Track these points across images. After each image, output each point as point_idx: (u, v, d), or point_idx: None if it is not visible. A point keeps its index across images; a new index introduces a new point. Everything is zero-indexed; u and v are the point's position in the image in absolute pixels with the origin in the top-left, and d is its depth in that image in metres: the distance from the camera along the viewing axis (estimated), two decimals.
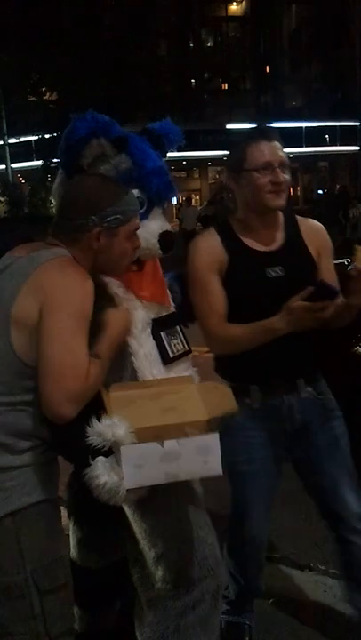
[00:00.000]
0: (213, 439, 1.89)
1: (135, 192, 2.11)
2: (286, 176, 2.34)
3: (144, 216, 2.15)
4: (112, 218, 1.94)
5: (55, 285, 1.83)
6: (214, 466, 1.89)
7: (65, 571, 1.96)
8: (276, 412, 2.42)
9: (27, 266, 1.89)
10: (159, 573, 2.17)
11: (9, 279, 1.90)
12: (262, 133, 2.39)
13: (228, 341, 2.36)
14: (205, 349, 2.41)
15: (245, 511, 2.53)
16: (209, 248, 2.40)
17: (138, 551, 2.20)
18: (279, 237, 2.43)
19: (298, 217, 2.53)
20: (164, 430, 1.86)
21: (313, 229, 2.50)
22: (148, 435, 1.83)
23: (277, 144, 2.36)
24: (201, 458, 1.88)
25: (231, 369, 2.44)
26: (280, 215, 2.45)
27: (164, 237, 2.16)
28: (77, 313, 1.83)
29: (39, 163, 25.40)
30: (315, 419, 2.47)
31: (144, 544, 2.17)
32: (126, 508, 2.15)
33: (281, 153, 2.35)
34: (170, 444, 1.84)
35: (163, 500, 2.08)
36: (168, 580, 2.16)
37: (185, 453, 1.85)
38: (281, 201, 2.35)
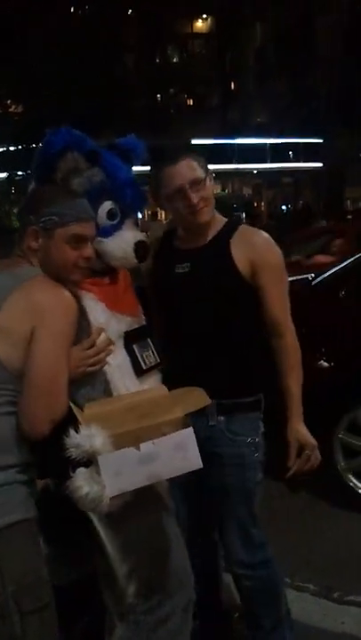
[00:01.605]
0: (189, 434, 1.93)
1: (109, 203, 2.16)
2: (203, 192, 2.31)
3: (118, 226, 2.19)
4: (47, 218, 1.98)
5: (47, 307, 1.88)
6: (194, 460, 1.92)
7: (47, 591, 1.93)
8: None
9: (6, 282, 1.92)
10: (131, 588, 2.17)
11: None
12: (167, 158, 2.35)
13: None
14: None
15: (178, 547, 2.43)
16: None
17: (108, 566, 2.20)
18: (204, 239, 2.42)
19: (244, 227, 2.46)
20: (141, 433, 1.89)
21: (251, 239, 2.39)
22: (126, 440, 1.86)
23: (186, 163, 2.32)
24: (179, 454, 1.91)
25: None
26: (217, 220, 2.43)
27: (139, 246, 2.18)
28: (67, 337, 1.91)
29: (3, 175, 25.26)
30: (212, 453, 2.32)
31: (115, 559, 2.17)
32: (97, 524, 2.15)
33: (191, 171, 2.31)
34: (146, 446, 1.87)
35: (134, 515, 2.08)
36: (140, 595, 2.17)
37: (163, 453, 1.88)
38: (203, 217, 2.35)
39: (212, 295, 2.30)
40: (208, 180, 2.35)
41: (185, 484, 2.36)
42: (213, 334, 2.34)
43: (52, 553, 2.43)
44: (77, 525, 2.19)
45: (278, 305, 2.38)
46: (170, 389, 2.18)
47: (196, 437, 2.23)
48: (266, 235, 2.45)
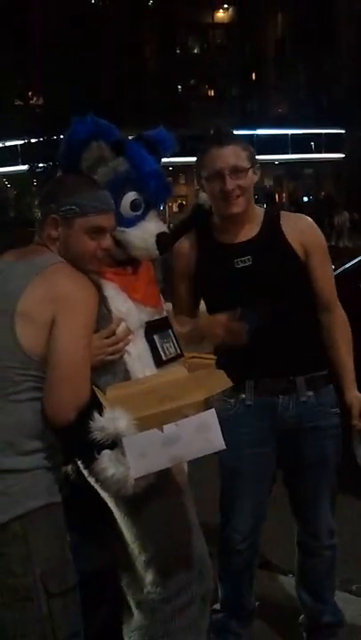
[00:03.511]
0: (211, 415, 1.94)
1: (133, 194, 2.15)
2: (241, 181, 2.32)
3: (141, 217, 2.19)
4: (67, 208, 1.98)
5: (69, 294, 1.90)
6: (216, 441, 1.93)
7: (72, 574, 1.97)
8: (269, 412, 2.43)
9: (27, 270, 1.94)
10: (149, 577, 2.18)
11: (7, 281, 1.94)
12: (215, 138, 2.38)
13: (188, 335, 2.41)
14: (206, 355, 2.41)
15: (232, 506, 2.55)
16: (181, 250, 2.49)
17: (127, 554, 2.21)
18: (253, 229, 2.44)
19: (285, 213, 2.53)
20: (163, 416, 1.90)
21: (297, 224, 2.48)
22: (149, 423, 1.88)
23: (231, 148, 2.34)
24: (203, 436, 1.92)
25: (229, 364, 2.41)
26: (256, 211, 2.47)
27: (161, 238, 2.19)
28: (90, 325, 1.93)
29: (25, 167, 25.38)
30: (309, 428, 2.45)
31: (134, 548, 2.18)
32: (116, 512, 2.17)
33: (234, 158, 2.33)
34: (169, 428, 1.88)
35: (153, 504, 2.10)
36: (158, 584, 2.17)
37: (185, 434, 1.90)
38: (235, 208, 2.35)
39: (281, 282, 2.33)
40: (252, 172, 2.38)
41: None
42: (289, 316, 2.38)
43: (70, 541, 2.48)
44: (96, 513, 2.21)
45: (329, 283, 2.50)
46: (248, 377, 2.32)
47: (287, 415, 2.42)
48: (309, 218, 2.54)
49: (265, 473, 2.53)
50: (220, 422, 2.04)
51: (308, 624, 2.68)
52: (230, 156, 2.32)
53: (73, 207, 1.98)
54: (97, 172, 2.11)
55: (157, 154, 2.27)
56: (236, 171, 2.32)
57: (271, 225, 2.45)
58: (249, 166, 2.35)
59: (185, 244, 2.50)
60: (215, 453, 2.23)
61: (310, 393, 2.43)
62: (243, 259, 2.36)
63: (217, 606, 2.65)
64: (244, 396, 2.42)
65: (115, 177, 2.12)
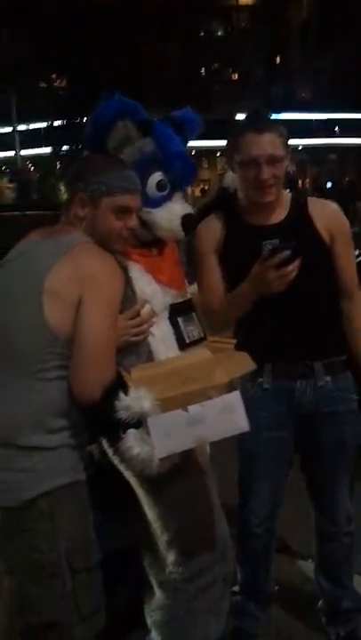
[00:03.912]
0: (236, 397, 1.96)
1: (158, 174, 2.15)
2: (276, 170, 2.30)
3: (167, 198, 2.19)
4: (94, 187, 1.99)
5: (96, 274, 1.91)
6: (240, 423, 1.96)
7: (96, 552, 2.00)
8: (287, 396, 2.43)
9: (54, 249, 1.95)
10: (171, 557, 2.20)
11: (34, 260, 1.95)
12: (253, 123, 2.34)
13: (219, 313, 2.41)
14: (227, 339, 2.41)
15: (249, 489, 2.56)
16: (208, 230, 2.46)
17: (149, 534, 2.23)
18: (282, 213, 2.43)
19: (311, 198, 2.53)
20: (188, 397, 1.92)
21: (324, 210, 2.47)
22: (173, 404, 1.90)
23: (269, 135, 2.30)
24: (227, 417, 1.94)
25: (248, 347, 2.39)
26: (284, 195, 2.45)
27: (187, 219, 2.19)
28: (116, 305, 1.95)
29: (48, 150, 25.35)
30: (327, 413, 2.45)
31: (156, 527, 2.20)
32: (139, 492, 2.18)
33: (272, 146, 2.29)
34: (194, 408, 1.90)
35: (176, 484, 2.12)
36: (180, 564, 2.19)
37: (210, 415, 1.92)
38: (267, 197, 2.34)
39: (307, 266, 2.29)
40: (285, 159, 2.35)
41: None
42: (311, 300, 2.37)
43: (93, 520, 2.50)
44: (119, 493, 2.23)
45: (351, 270, 2.49)
46: (266, 360, 2.32)
47: (304, 400, 2.42)
48: (335, 204, 2.53)
49: (282, 457, 2.54)
50: None
51: (327, 609, 2.69)
52: (268, 144, 2.29)
53: (100, 186, 1.99)
54: (123, 152, 2.11)
55: (184, 135, 2.27)
56: (273, 160, 2.29)
57: (299, 209, 2.44)
58: (283, 154, 2.33)
59: (214, 223, 2.48)
60: (234, 436, 2.25)
61: (328, 378, 2.43)
62: (272, 241, 2.34)
63: (236, 588, 2.67)
64: (261, 379, 2.42)
65: (141, 157, 2.12)
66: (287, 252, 2.17)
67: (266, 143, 2.29)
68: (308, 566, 3.07)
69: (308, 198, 2.51)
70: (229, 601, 2.38)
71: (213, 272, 2.46)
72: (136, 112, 2.13)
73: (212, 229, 2.46)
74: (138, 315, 2.09)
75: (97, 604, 1.99)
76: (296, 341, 2.39)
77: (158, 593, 2.27)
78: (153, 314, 2.12)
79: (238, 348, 2.33)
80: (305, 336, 2.39)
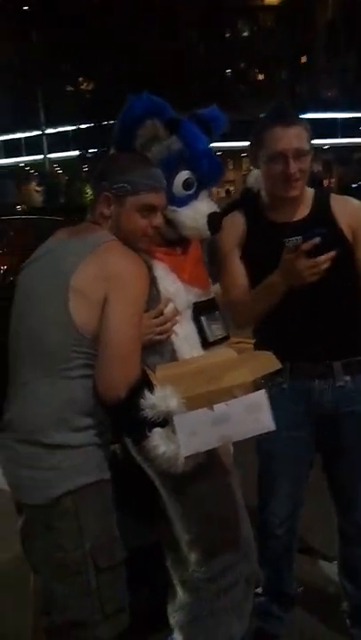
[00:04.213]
0: (262, 396, 1.94)
1: (185, 173, 2.15)
2: (302, 164, 2.27)
3: (193, 197, 2.18)
4: (119, 185, 1.99)
5: (122, 272, 1.91)
6: (266, 422, 1.94)
7: (120, 550, 2.00)
8: (305, 396, 2.40)
9: (80, 247, 1.95)
10: (193, 556, 2.19)
11: (60, 259, 1.96)
12: (279, 117, 2.31)
13: (244, 308, 2.37)
14: (248, 340, 2.39)
15: (269, 490, 2.54)
16: (230, 225, 2.41)
17: (172, 534, 2.23)
18: (304, 211, 2.40)
19: (334, 195, 2.49)
20: (213, 396, 1.91)
21: (346, 206, 2.43)
22: (198, 402, 1.89)
23: (295, 129, 2.28)
24: (252, 416, 1.92)
25: (267, 345, 2.35)
26: (307, 192, 2.42)
27: (212, 218, 2.18)
28: (141, 304, 1.94)
29: (75, 153, 25.50)
30: (347, 413, 2.41)
31: (178, 527, 2.19)
32: (163, 491, 2.18)
33: (298, 140, 2.27)
34: (219, 407, 1.89)
35: (200, 483, 2.11)
36: (202, 564, 2.18)
37: (235, 414, 1.90)
38: (293, 191, 2.31)
39: (330, 264, 2.24)
40: (310, 154, 2.33)
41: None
42: (333, 299, 2.34)
43: (117, 519, 2.50)
44: (142, 492, 2.23)
45: None
46: (286, 359, 2.27)
47: (324, 400, 2.38)
48: (356, 200, 2.49)
49: (301, 457, 2.51)
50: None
51: (351, 611, 2.66)
52: (294, 137, 2.27)
53: (125, 185, 1.98)
54: (151, 150, 2.11)
55: (210, 133, 2.26)
56: (300, 154, 2.27)
57: (321, 206, 2.41)
58: (310, 148, 2.31)
59: (236, 219, 2.46)
60: (255, 437, 2.24)
61: (348, 378, 2.38)
62: (293, 238, 2.31)
63: (259, 590, 2.65)
64: (280, 379, 2.38)
65: (168, 155, 2.11)
66: (318, 239, 2.13)
67: (293, 137, 2.26)
68: (331, 568, 3.03)
69: (331, 195, 2.48)
70: (252, 602, 2.36)
71: (237, 267, 2.43)
72: (164, 110, 2.12)
73: (235, 225, 2.44)
74: (162, 314, 2.09)
75: (121, 602, 1.99)
76: (317, 340, 2.36)
77: (181, 592, 2.27)
78: (177, 313, 2.12)
79: (258, 347, 2.32)
80: (327, 335, 2.36)
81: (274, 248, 2.29)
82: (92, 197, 2.13)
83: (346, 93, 33.24)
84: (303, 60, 36.37)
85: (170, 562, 2.29)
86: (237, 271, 2.43)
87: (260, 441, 2.43)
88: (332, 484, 2.56)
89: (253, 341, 2.31)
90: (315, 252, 2.14)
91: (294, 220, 2.39)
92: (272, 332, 2.35)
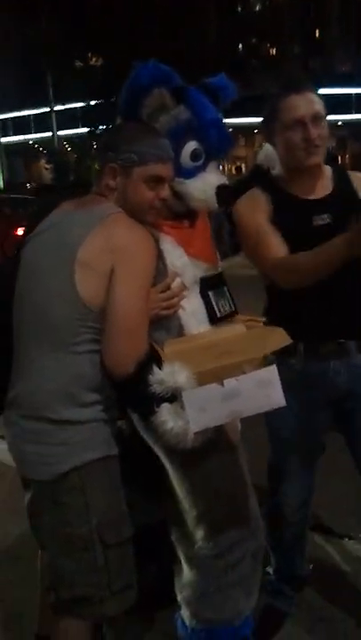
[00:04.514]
0: (272, 372, 1.91)
1: (193, 143, 2.10)
2: (321, 130, 2.22)
3: (201, 168, 2.14)
4: (126, 156, 1.94)
5: (128, 245, 1.87)
6: (277, 398, 1.91)
7: (128, 527, 1.99)
8: (319, 379, 2.34)
9: (85, 219, 1.91)
10: (200, 532, 2.18)
11: (66, 231, 1.93)
12: (292, 85, 2.26)
13: (293, 269, 2.22)
14: (258, 318, 2.34)
15: (281, 478, 2.50)
16: (254, 202, 2.33)
17: (178, 510, 2.22)
18: (327, 186, 2.34)
19: (351, 172, 2.43)
20: (222, 371, 1.88)
21: None
22: (207, 378, 1.86)
23: (310, 95, 2.23)
24: (263, 392, 1.89)
25: (280, 324, 2.27)
26: (325, 167, 2.36)
27: (221, 190, 2.13)
28: (148, 277, 1.91)
29: (85, 130, 25.39)
30: None
31: (185, 503, 2.18)
32: (169, 467, 2.17)
33: (314, 105, 2.22)
34: (229, 382, 1.86)
35: (207, 459, 2.09)
36: (209, 539, 2.17)
37: (246, 390, 1.88)
38: (316, 158, 2.24)
39: None
40: (326, 121, 2.27)
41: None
42: (350, 276, 2.24)
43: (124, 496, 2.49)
44: (149, 468, 2.21)
45: None
46: (299, 339, 2.22)
47: (338, 381, 2.32)
48: None
49: (314, 444, 2.48)
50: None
51: None
52: (311, 102, 2.22)
53: (132, 155, 1.94)
54: (158, 119, 2.07)
55: (218, 102, 2.21)
56: (318, 118, 2.21)
57: (343, 182, 2.35)
58: (325, 113, 2.25)
59: (258, 195, 2.35)
60: (265, 420, 2.20)
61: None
62: (321, 216, 2.25)
63: (269, 569, 2.64)
64: (293, 360, 2.32)
65: (176, 125, 2.07)
66: None
67: (309, 102, 2.22)
68: (344, 545, 3.04)
69: (349, 172, 2.42)
70: (260, 578, 2.34)
71: (275, 233, 2.28)
72: (171, 79, 2.08)
73: (259, 202, 2.33)
74: (168, 288, 2.06)
75: (129, 579, 1.98)
76: (329, 320, 2.29)
77: (187, 569, 2.26)
78: (183, 287, 2.09)
79: (268, 324, 2.27)
80: (343, 313, 2.30)
81: (302, 227, 2.23)
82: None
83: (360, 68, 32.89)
84: (317, 34, 35.97)
85: (176, 538, 2.28)
86: (275, 237, 2.27)
87: (274, 427, 2.41)
88: (358, 462, 2.49)
89: (263, 319, 2.26)
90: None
91: (319, 197, 2.32)
92: (286, 312, 2.29)
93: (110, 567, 1.92)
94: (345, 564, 2.85)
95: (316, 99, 2.24)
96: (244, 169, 25.05)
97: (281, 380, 2.10)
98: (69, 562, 1.91)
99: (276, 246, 2.25)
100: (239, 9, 33.85)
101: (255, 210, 2.31)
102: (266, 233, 2.28)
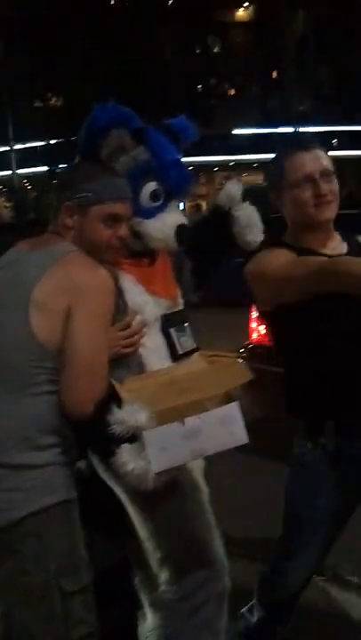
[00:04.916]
0: (235, 409, 1.90)
1: (153, 184, 2.12)
2: (332, 185, 2.17)
3: (160, 209, 2.15)
4: (82, 195, 1.93)
5: (85, 285, 1.84)
6: (240, 435, 1.89)
7: (88, 573, 1.93)
8: (354, 457, 2.17)
9: (41, 259, 1.89)
10: (163, 575, 2.14)
11: (22, 271, 1.90)
12: (299, 143, 2.22)
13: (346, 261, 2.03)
14: (226, 353, 2.31)
15: (294, 559, 2.33)
16: (278, 252, 2.21)
17: (141, 552, 2.17)
18: (341, 246, 2.26)
19: (359, 236, 2.35)
20: (184, 409, 1.87)
21: None
22: (169, 416, 1.85)
23: (317, 152, 2.19)
24: (225, 429, 1.88)
25: (305, 402, 2.19)
26: (335, 233, 2.28)
27: (181, 230, 2.14)
28: (106, 316, 1.89)
29: (44, 168, 25.48)
30: None
31: (148, 545, 2.14)
32: (130, 508, 2.13)
33: (323, 161, 2.18)
34: (191, 421, 1.85)
35: (169, 500, 2.06)
36: (173, 582, 2.14)
37: (208, 428, 1.86)
38: (329, 212, 2.18)
39: None
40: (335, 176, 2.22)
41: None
42: None
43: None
44: (109, 510, 2.17)
45: None
46: (329, 417, 2.13)
47: None
48: None
49: (340, 523, 2.32)
50: (298, 467, 2.02)
51: None
52: (319, 159, 2.18)
53: (89, 194, 1.93)
54: (118, 160, 2.07)
55: (178, 143, 2.22)
56: (327, 174, 2.17)
57: (353, 241, 2.29)
58: (334, 169, 2.21)
59: (281, 250, 2.20)
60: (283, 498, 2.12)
61: None
62: None
63: (247, 614, 2.49)
64: (323, 439, 2.16)
65: (135, 166, 2.08)
66: None
67: (317, 158, 2.18)
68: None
69: (357, 236, 2.34)
70: (226, 618, 2.26)
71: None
72: (130, 120, 2.09)
73: (285, 252, 2.18)
74: (129, 326, 2.05)
75: (88, 628, 1.91)
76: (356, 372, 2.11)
77: (152, 613, 2.21)
78: (144, 325, 2.08)
79: (295, 401, 2.18)
80: None
81: None
82: None
83: (318, 107, 33.58)
84: (275, 74, 36.71)
85: (139, 581, 2.24)
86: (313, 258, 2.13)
87: (296, 506, 2.27)
88: None
89: (236, 355, 2.25)
90: None
91: (340, 253, 2.22)
92: (311, 387, 2.16)
93: (69, 616, 1.85)
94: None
95: (324, 155, 2.20)
96: (204, 207, 25.25)
97: (311, 458, 2.07)
98: (26, 612, 1.84)
99: (316, 259, 2.12)
100: (198, 50, 34.46)
101: (281, 254, 2.18)
102: (299, 258, 2.13)
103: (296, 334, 2.18)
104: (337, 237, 2.28)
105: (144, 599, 2.23)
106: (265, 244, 2.32)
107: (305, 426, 2.17)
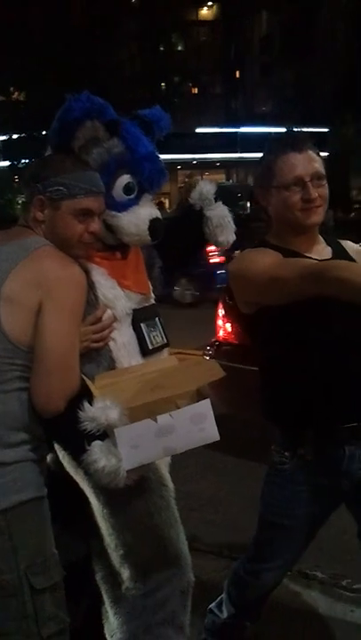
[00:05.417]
0: (206, 406, 1.89)
1: (127, 177, 2.10)
2: (321, 189, 2.11)
3: (134, 202, 2.13)
4: (54, 188, 1.90)
5: (57, 279, 1.81)
6: (211, 432, 1.88)
7: (58, 570, 1.90)
8: (333, 466, 2.14)
9: (11, 253, 1.85)
10: (126, 572, 2.13)
11: None
12: (291, 143, 2.13)
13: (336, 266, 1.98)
14: (192, 351, 2.31)
15: (269, 561, 2.31)
16: (265, 251, 2.15)
17: (103, 548, 2.16)
18: (325, 250, 2.21)
19: (342, 241, 2.32)
20: (155, 406, 1.86)
21: (353, 247, 2.28)
22: (140, 413, 1.83)
23: (310, 154, 2.11)
24: (197, 426, 1.87)
25: (282, 410, 2.16)
26: (319, 237, 2.24)
27: (154, 224, 2.13)
28: (78, 311, 1.86)
29: (6, 163, 25.18)
30: None
31: (110, 541, 2.13)
32: (95, 504, 2.12)
33: (314, 164, 2.11)
34: (163, 418, 1.84)
35: (132, 497, 2.05)
36: (136, 579, 2.13)
37: (179, 425, 1.85)
38: (316, 217, 2.12)
39: None
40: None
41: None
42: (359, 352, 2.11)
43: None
44: (74, 505, 2.16)
45: None
46: (306, 426, 2.11)
47: (353, 468, 2.13)
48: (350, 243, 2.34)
49: (315, 529, 2.30)
50: (276, 475, 2.02)
51: None
52: (310, 162, 2.10)
53: (60, 188, 1.89)
54: (91, 152, 2.05)
55: (153, 135, 2.21)
56: (317, 178, 2.10)
57: (338, 247, 2.25)
58: (325, 173, 2.14)
59: (267, 250, 2.14)
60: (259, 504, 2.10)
61: None
62: None
63: (215, 609, 2.48)
64: (302, 450, 2.13)
65: (109, 158, 2.06)
66: None
67: (308, 161, 2.10)
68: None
69: (340, 241, 2.31)
70: (189, 612, 2.26)
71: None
72: (105, 111, 2.06)
73: (272, 252, 2.12)
74: (99, 320, 2.02)
75: (59, 624, 1.89)
76: (342, 401, 2.08)
77: (115, 610, 2.19)
78: (114, 319, 2.06)
79: (272, 410, 2.17)
80: (352, 394, 2.09)
81: None
82: (21, 209, 2.03)
83: (280, 108, 33.80)
84: (238, 74, 36.86)
85: (100, 577, 2.22)
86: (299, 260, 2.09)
87: (273, 513, 2.24)
88: None
89: (201, 353, 2.24)
90: None
91: (325, 257, 2.18)
92: (288, 396, 2.14)
93: (40, 613, 1.83)
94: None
95: (316, 157, 2.14)
96: (167, 204, 25.26)
97: (289, 467, 2.06)
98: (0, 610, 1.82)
99: (306, 261, 2.08)
100: (161, 48, 34.44)
101: (267, 254, 2.12)
102: (287, 259, 2.08)
103: (275, 342, 2.14)
104: (321, 242, 2.25)
105: (105, 597, 2.21)
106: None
107: (283, 435, 2.15)
